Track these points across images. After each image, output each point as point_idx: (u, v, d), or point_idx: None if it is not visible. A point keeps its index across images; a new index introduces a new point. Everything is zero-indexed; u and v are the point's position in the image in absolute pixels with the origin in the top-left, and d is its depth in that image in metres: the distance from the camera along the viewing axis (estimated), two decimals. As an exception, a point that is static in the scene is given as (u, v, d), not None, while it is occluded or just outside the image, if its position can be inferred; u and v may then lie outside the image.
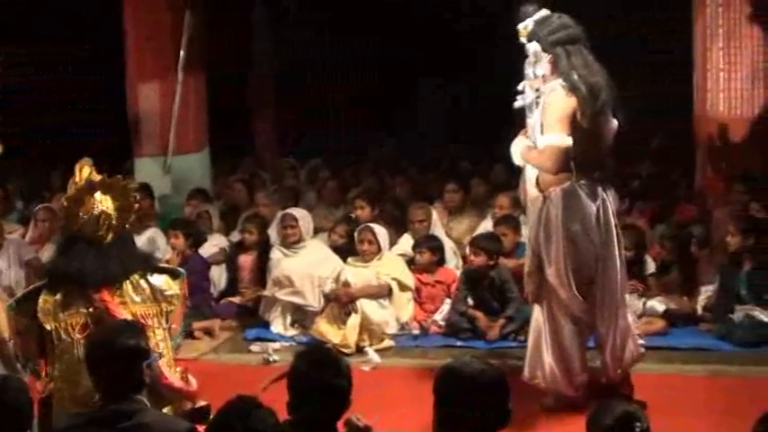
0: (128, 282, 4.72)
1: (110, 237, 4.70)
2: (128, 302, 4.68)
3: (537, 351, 5.74)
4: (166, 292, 4.78)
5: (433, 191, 9.98)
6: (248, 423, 3.45)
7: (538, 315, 5.78)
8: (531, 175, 5.69)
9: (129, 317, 4.55)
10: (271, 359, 7.08)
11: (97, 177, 4.75)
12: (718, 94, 8.83)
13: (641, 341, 5.92)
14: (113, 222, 4.70)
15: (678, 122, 10.38)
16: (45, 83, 13.37)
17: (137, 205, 4.94)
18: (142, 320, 4.56)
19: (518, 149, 5.68)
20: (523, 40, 5.65)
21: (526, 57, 5.62)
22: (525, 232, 7.09)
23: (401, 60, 15.39)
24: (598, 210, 5.53)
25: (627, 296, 5.93)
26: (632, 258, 7.37)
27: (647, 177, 10.59)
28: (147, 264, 4.90)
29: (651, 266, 7.80)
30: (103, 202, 4.71)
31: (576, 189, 5.48)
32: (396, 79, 15.52)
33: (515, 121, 5.87)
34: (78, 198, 4.71)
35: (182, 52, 10.18)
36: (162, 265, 5.24)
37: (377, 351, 7.17)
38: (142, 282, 4.75)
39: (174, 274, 4.91)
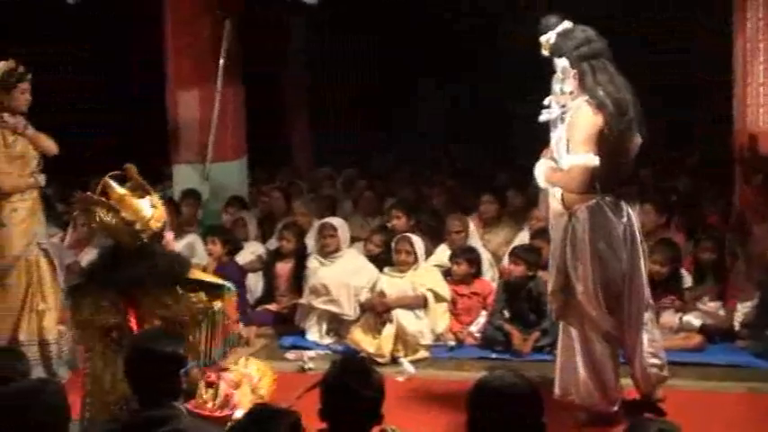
0: (152, 293, 4.70)
1: (137, 244, 4.69)
2: (148, 314, 4.68)
3: (569, 366, 5.68)
4: (196, 306, 4.74)
5: (470, 202, 9.97)
6: (266, 429, 3.46)
7: (565, 332, 5.74)
8: (555, 189, 5.62)
9: None
10: (306, 367, 7.11)
11: (114, 192, 4.75)
12: (759, 108, 8.76)
13: (654, 360, 5.76)
14: (130, 232, 4.68)
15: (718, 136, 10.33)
16: (80, 83, 13.55)
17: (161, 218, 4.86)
18: None
19: (542, 170, 5.62)
20: (545, 53, 5.59)
21: (553, 72, 5.54)
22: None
23: (401, 60, 15.37)
24: (624, 226, 5.48)
25: (648, 313, 5.76)
26: (668, 274, 7.33)
27: (684, 192, 10.52)
28: (175, 276, 4.83)
29: (687, 280, 7.74)
30: (106, 215, 4.72)
31: (602, 206, 5.41)
32: (396, 79, 15.49)
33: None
34: (87, 207, 4.73)
35: (221, 60, 10.22)
36: (205, 279, 5.16)
37: (411, 362, 7.15)
38: (169, 294, 4.73)
39: (216, 289, 4.86)
